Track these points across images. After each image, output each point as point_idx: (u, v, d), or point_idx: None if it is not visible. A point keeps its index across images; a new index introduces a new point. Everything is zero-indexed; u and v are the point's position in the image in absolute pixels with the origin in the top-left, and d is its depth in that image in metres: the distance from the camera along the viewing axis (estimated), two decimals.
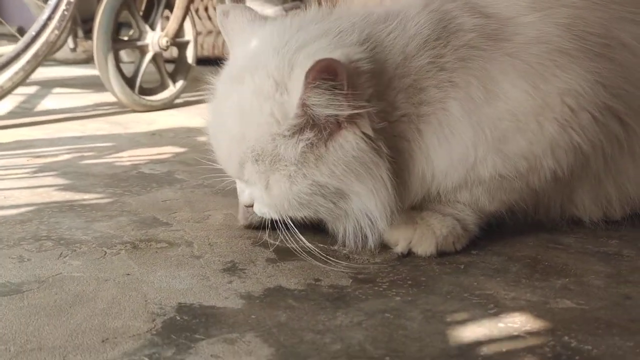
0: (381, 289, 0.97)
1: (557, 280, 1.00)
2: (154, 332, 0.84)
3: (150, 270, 1.04)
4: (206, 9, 3.92)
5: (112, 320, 0.88)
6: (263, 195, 1.06)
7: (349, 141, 1.00)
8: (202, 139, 2.08)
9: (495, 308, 0.91)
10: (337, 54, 0.97)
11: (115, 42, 2.51)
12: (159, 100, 2.66)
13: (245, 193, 1.12)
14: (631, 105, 1.10)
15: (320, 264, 1.06)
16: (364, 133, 1.00)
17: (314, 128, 1.00)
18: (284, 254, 1.10)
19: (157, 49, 2.60)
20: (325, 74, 0.94)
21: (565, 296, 0.95)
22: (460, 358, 0.79)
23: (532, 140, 1.05)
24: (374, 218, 1.04)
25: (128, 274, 1.03)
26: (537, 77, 1.05)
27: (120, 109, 2.64)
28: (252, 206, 1.11)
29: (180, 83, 2.74)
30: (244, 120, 1.04)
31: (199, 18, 3.94)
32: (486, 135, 1.05)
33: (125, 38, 2.69)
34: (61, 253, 1.11)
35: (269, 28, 1.11)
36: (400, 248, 1.10)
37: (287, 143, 1.01)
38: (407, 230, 1.10)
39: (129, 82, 2.56)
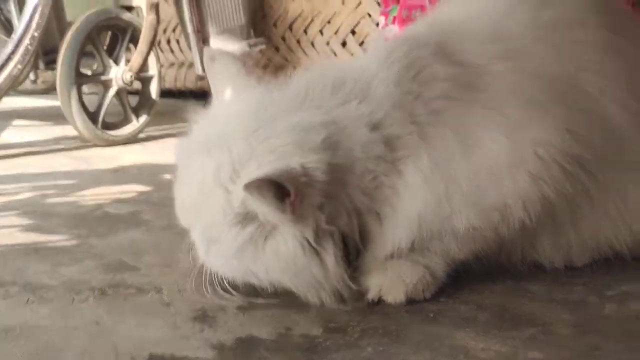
0: (353, 339, 0.98)
1: (526, 329, 1.01)
2: None
3: (120, 319, 1.03)
4: (168, 42, 3.92)
5: None
6: (203, 256, 1.08)
7: (288, 245, 1.01)
8: (167, 176, 2.07)
9: (465, 359, 0.92)
10: (294, 162, 0.98)
11: (79, 77, 2.50)
12: (122, 135, 2.64)
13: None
14: (596, 154, 1.13)
15: (292, 313, 1.06)
16: (305, 237, 1.01)
17: (255, 224, 1.01)
18: (254, 300, 1.10)
19: (120, 83, 2.59)
20: (272, 187, 0.95)
21: (535, 347, 0.96)
22: None
23: (505, 193, 1.07)
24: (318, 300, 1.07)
25: (97, 323, 1.02)
26: (512, 129, 1.07)
27: (82, 143, 2.61)
28: None
29: (143, 118, 2.73)
30: (200, 194, 1.05)
31: (161, 51, 3.93)
32: (462, 188, 1.06)
33: (89, 72, 2.66)
34: (28, 299, 1.10)
35: (248, 102, 1.10)
36: (370, 295, 1.10)
37: (229, 232, 1.02)
38: (378, 278, 1.11)
39: (92, 116, 2.54)
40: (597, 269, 1.22)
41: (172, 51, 3.91)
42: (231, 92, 1.16)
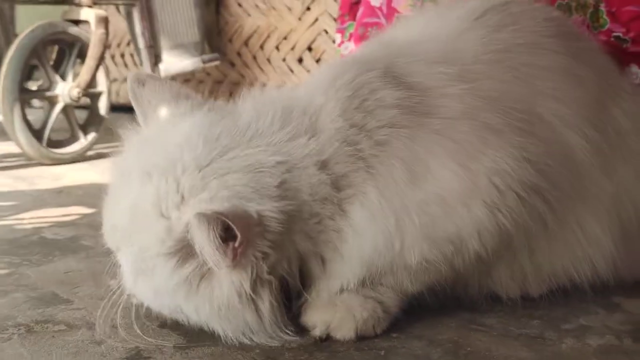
0: None
1: None
2: None
3: None
4: (122, 56, 3.84)
5: None
6: (129, 284, 1.02)
7: (223, 290, 0.96)
8: None
9: None
10: (250, 208, 0.93)
11: (23, 92, 2.40)
12: (68, 153, 2.56)
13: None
14: (553, 182, 1.08)
15: (233, 351, 0.99)
16: (242, 285, 0.95)
17: (193, 263, 0.95)
18: (193, 337, 1.03)
19: (67, 100, 2.50)
20: (220, 225, 0.89)
21: None
22: None
23: (459, 224, 1.01)
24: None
25: None
26: (465, 156, 1.01)
27: (26, 161, 2.52)
28: None
29: (91, 135, 2.65)
30: (136, 222, 0.98)
31: (115, 64, 3.85)
32: (413, 221, 0.99)
33: (34, 87, 2.57)
34: None
35: (199, 127, 1.03)
36: (318, 332, 1.04)
37: (164, 268, 0.95)
38: (326, 314, 1.05)
39: (37, 133, 2.45)
40: (555, 300, 1.17)
41: (125, 65, 3.83)
42: (168, 116, 1.09)
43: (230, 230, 0.90)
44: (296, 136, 1.02)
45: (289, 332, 1.02)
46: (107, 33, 2.53)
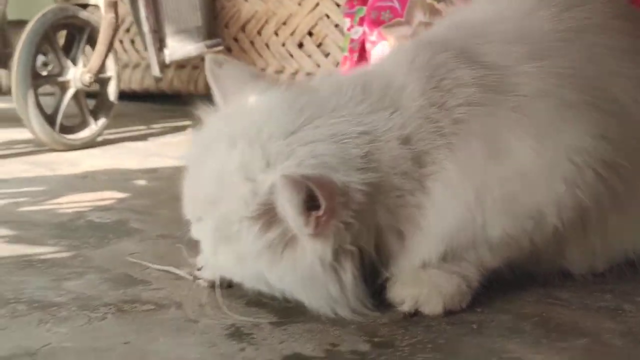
0: (405, 354, 0.93)
1: (576, 340, 0.98)
2: None
3: (150, 338, 0.96)
4: (121, 42, 3.80)
5: None
6: (209, 255, 1.04)
7: (306, 258, 0.97)
8: (141, 182, 1.98)
9: None
10: (337, 178, 0.94)
11: (35, 78, 2.37)
12: (80, 139, 2.53)
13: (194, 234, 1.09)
14: (627, 159, 1.10)
15: (328, 327, 1.00)
16: (324, 254, 0.97)
17: (278, 228, 0.96)
18: (284, 315, 1.04)
19: (79, 85, 2.48)
20: (305, 192, 0.91)
21: (593, 358, 0.93)
22: None
23: (539, 200, 1.03)
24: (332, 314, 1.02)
25: (127, 343, 0.94)
26: (543, 133, 1.03)
27: (36, 147, 2.49)
28: None
29: (102, 121, 2.63)
30: (220, 188, 1.00)
31: (125, 50, 3.80)
32: (493, 197, 1.02)
33: (44, 73, 2.53)
34: (40, 319, 1.01)
35: (282, 99, 1.05)
36: (407, 307, 1.06)
37: (249, 232, 0.97)
38: (413, 289, 1.06)
39: (49, 119, 2.42)
40: (622, 274, 1.20)
41: (125, 51, 3.80)
42: (248, 93, 1.11)
43: (314, 199, 0.91)
44: (377, 110, 1.04)
45: (371, 307, 1.03)
46: (117, 17, 2.51)
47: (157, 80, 2.90)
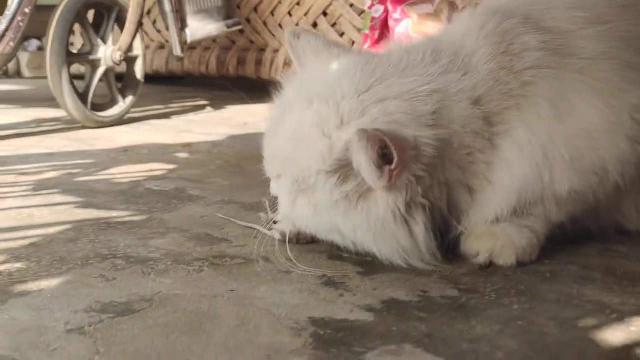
0: (492, 299, 1.00)
1: None
2: (312, 347, 0.83)
3: (251, 286, 1.02)
4: (154, 22, 3.85)
5: (256, 337, 0.86)
6: (287, 207, 1.10)
7: (379, 209, 1.04)
8: (183, 155, 2.04)
9: (614, 314, 0.95)
10: (408, 133, 1.02)
11: (68, 56, 2.42)
12: (110, 117, 2.58)
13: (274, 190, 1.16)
14: None
15: (413, 276, 1.07)
16: (397, 206, 1.03)
17: (353, 181, 1.03)
18: (368, 267, 1.11)
19: (110, 63, 2.53)
20: (378, 146, 0.98)
21: None
22: None
23: (604, 156, 1.10)
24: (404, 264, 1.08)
25: (232, 290, 1.01)
26: (607, 93, 1.10)
27: (65, 124, 2.54)
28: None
29: (129, 99, 2.68)
30: (298, 144, 1.07)
31: (145, 33, 3.84)
32: (561, 154, 1.08)
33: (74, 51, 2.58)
34: (142, 272, 1.07)
35: (355, 61, 1.12)
36: (482, 259, 1.13)
37: (325, 184, 1.04)
38: (487, 242, 1.13)
39: (81, 97, 2.46)
40: None
41: (158, 31, 3.85)
42: (323, 58, 1.17)
43: (387, 155, 0.98)
44: (448, 72, 1.11)
45: (442, 259, 1.10)
46: None
47: (179, 60, 2.93)
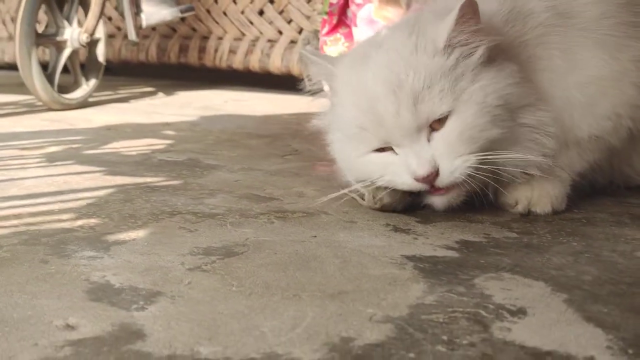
0: (550, 239, 1.10)
1: None
2: (422, 276, 0.91)
3: (329, 233, 1.09)
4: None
5: (367, 270, 0.92)
6: (449, 135, 1.09)
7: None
8: (169, 132, 2.07)
9: None
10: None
11: (36, 37, 2.39)
12: (75, 99, 2.57)
13: (423, 160, 1.09)
14: None
15: (467, 224, 1.16)
16: None
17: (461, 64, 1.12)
18: (423, 218, 1.19)
19: (76, 45, 2.51)
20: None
21: None
22: None
23: (614, 102, 1.23)
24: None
25: (314, 236, 1.07)
26: (611, 47, 1.23)
27: (27, 107, 2.52)
28: (428, 178, 1.09)
29: (92, 82, 2.67)
30: (402, 65, 1.11)
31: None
32: (577, 99, 1.20)
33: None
34: (218, 224, 1.12)
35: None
36: (521, 207, 1.23)
37: (438, 71, 1.10)
38: (525, 192, 1.23)
39: (48, 79, 2.44)
40: None
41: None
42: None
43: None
44: None
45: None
46: None
47: (134, 44, 2.93)
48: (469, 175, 1.09)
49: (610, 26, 1.24)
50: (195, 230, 1.07)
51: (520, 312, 0.80)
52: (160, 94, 3.17)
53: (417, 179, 1.10)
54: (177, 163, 1.60)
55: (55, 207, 1.19)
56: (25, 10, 2.33)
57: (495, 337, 0.73)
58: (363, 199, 1.22)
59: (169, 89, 3.33)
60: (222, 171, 1.52)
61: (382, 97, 1.11)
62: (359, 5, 2.67)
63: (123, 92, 3.16)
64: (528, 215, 1.23)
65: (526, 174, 1.21)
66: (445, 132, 1.10)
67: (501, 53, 1.16)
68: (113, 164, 1.55)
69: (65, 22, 2.51)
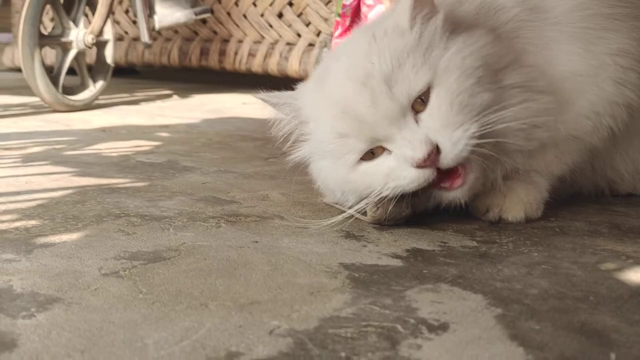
0: (510, 248, 1.02)
1: None
2: (351, 286, 0.84)
3: (274, 239, 1.03)
4: (127, 12, 3.81)
5: (295, 279, 0.86)
6: (438, 108, 1.01)
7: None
8: (163, 134, 2.03)
9: (630, 259, 0.98)
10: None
11: (40, 38, 2.38)
12: (80, 101, 2.55)
13: (416, 142, 0.99)
14: None
15: (429, 230, 1.09)
16: None
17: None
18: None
19: (82, 46, 2.49)
20: None
21: None
22: None
23: (593, 100, 1.15)
24: None
25: (256, 242, 1.01)
26: (586, 40, 1.15)
27: (34, 109, 2.51)
28: (430, 159, 0.99)
29: (100, 83, 2.65)
30: (364, 57, 1.06)
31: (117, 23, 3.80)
32: (555, 96, 1.12)
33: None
34: (160, 227, 1.07)
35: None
36: (491, 215, 1.15)
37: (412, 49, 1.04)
38: (497, 198, 1.16)
39: (52, 80, 2.43)
40: None
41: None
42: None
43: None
44: None
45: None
46: None
47: (146, 46, 2.91)
48: (477, 146, 1.00)
49: (584, 18, 1.17)
50: (133, 234, 1.02)
51: (441, 328, 0.73)
52: (175, 97, 3.15)
53: (418, 165, 0.99)
54: (153, 165, 1.55)
55: (2, 207, 1.15)
56: (29, 11, 2.32)
57: (399, 356, 0.67)
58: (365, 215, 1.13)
59: (187, 92, 3.31)
60: (196, 173, 1.47)
61: (353, 93, 1.03)
62: (369, 7, 2.61)
63: (139, 95, 3.15)
64: (499, 223, 1.15)
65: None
66: (432, 107, 1.01)
67: (467, 25, 1.10)
68: (87, 165, 1.52)
69: (71, 23, 2.49)
